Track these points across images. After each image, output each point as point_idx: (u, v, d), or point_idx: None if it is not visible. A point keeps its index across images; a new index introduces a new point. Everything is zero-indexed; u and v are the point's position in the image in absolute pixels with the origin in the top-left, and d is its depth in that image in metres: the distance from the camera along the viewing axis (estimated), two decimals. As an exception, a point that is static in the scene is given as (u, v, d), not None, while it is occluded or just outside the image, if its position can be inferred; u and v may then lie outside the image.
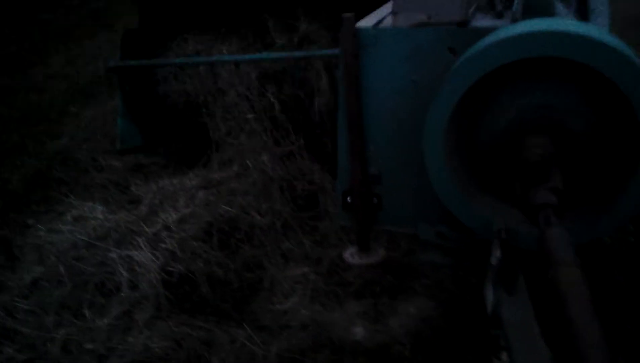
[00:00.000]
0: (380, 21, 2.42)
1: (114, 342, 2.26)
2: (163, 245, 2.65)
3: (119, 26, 5.25)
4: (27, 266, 2.62)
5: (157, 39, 3.93)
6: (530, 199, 1.79)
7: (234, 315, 2.54)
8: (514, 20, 2.20)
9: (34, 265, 2.60)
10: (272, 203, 2.94)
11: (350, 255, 2.72)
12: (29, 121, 5.08)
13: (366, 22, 2.39)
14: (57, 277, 2.51)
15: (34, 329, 2.34)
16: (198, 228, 2.76)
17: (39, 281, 2.53)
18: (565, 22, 2.04)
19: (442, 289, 2.59)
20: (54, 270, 2.53)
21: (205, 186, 3.03)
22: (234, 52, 3.75)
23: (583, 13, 2.64)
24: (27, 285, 2.53)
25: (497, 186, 2.10)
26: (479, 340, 2.15)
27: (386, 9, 2.59)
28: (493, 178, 2.10)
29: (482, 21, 2.28)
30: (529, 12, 2.29)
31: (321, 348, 2.43)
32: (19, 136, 4.83)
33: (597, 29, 1.95)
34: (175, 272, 2.56)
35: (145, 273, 2.48)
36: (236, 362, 2.30)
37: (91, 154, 4.16)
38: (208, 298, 2.55)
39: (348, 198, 2.49)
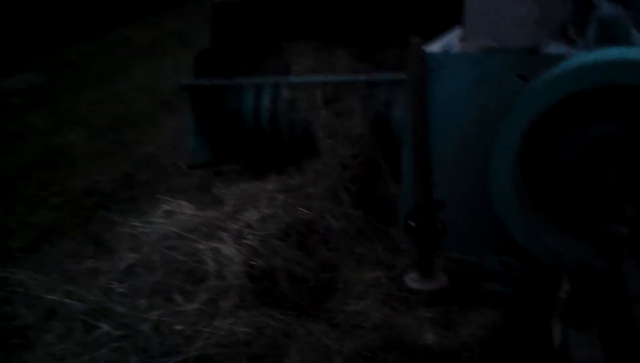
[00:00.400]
0: (448, 46, 2.43)
1: (201, 325, 2.42)
2: (246, 241, 2.81)
3: (197, 44, 5.57)
4: (122, 254, 2.82)
5: (229, 59, 4.06)
6: (603, 231, 1.79)
7: (310, 311, 2.67)
8: (588, 48, 2.19)
9: (128, 252, 2.80)
10: (345, 208, 3.07)
11: (412, 279, 2.66)
12: (115, 129, 5.44)
13: (434, 47, 2.41)
14: (150, 264, 2.70)
15: (128, 310, 2.53)
16: (278, 228, 2.91)
17: (133, 267, 2.73)
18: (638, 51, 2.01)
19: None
20: (147, 258, 2.73)
21: (284, 190, 3.18)
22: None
23: None
24: (122, 271, 2.74)
25: (566, 217, 2.07)
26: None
27: (454, 34, 2.60)
28: (562, 208, 2.07)
29: (554, 48, 2.24)
30: (604, 40, 2.27)
31: (392, 349, 2.51)
32: (107, 142, 5.18)
33: None
34: (257, 266, 2.71)
35: (230, 265, 2.64)
36: (312, 354, 2.42)
37: (174, 161, 4.43)
38: (287, 293, 2.69)
39: (410, 221, 2.48)
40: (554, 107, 1.87)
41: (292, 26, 4.05)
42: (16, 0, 8.07)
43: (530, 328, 2.21)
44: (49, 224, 3.92)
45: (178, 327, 2.42)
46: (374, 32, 3.84)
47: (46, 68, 7.33)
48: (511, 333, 2.41)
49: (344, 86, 3.61)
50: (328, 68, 3.82)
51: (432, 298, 2.74)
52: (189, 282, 2.62)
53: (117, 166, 4.65)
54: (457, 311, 2.65)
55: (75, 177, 4.55)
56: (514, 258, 2.22)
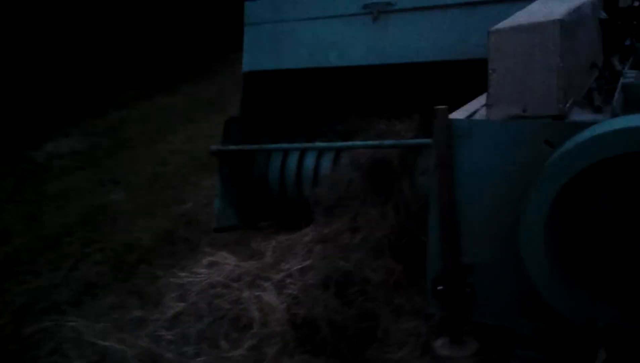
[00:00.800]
0: (473, 113, 2.42)
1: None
2: (287, 291, 2.91)
3: (231, 110, 5.86)
4: (168, 303, 2.93)
5: (257, 126, 4.16)
6: (638, 297, 1.76)
7: (351, 359, 2.72)
8: (614, 115, 2.18)
9: (174, 301, 2.91)
10: (384, 260, 3.15)
11: (442, 345, 2.57)
12: (155, 189, 5.66)
13: (459, 114, 2.41)
14: (196, 312, 2.80)
15: (176, 355, 2.62)
16: (317, 278, 3.00)
17: (180, 316, 2.83)
18: None
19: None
20: (194, 306, 2.84)
21: (321, 240, 3.28)
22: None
23: None
24: (169, 319, 2.84)
25: (598, 282, 2.04)
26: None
27: (479, 101, 2.59)
28: (594, 273, 2.05)
29: (580, 115, 2.24)
30: (630, 106, 2.28)
31: (434, 397, 2.55)
32: (146, 201, 5.38)
33: None
34: (299, 314, 2.79)
35: (273, 313, 2.73)
36: (356, 400, 2.46)
37: (212, 218, 4.57)
38: (328, 341, 2.75)
39: (438, 286, 2.44)
40: (581, 173, 1.87)
41: (318, 95, 4.21)
42: (59, 66, 8.54)
43: None
44: (93, 279, 4.06)
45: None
46: (399, 102, 3.92)
47: (88, 133, 7.69)
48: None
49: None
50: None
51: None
52: (234, 329, 2.70)
53: (157, 223, 4.81)
54: (496, 358, 2.67)
55: (117, 234, 4.72)
56: (547, 324, 2.15)
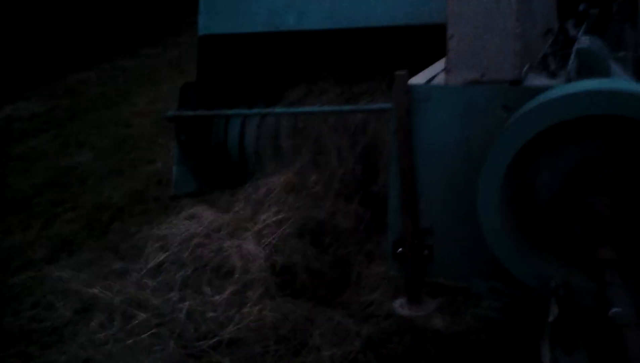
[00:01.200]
0: (432, 78, 2.45)
1: (231, 312, 2.64)
2: (266, 240, 3.06)
3: (192, 73, 5.88)
4: (151, 253, 3.04)
5: (213, 92, 4.14)
6: (593, 256, 1.78)
7: (328, 301, 2.90)
8: (569, 80, 2.25)
9: (157, 252, 3.02)
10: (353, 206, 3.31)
11: (400, 305, 2.66)
12: (121, 150, 5.66)
13: (419, 79, 2.44)
14: (179, 261, 2.92)
15: (162, 301, 2.74)
16: (293, 228, 3.16)
17: (163, 265, 2.95)
18: (621, 82, 2.09)
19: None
20: (176, 255, 2.95)
21: (291, 189, 3.42)
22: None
23: (638, 73, 2.72)
24: (152, 268, 2.96)
25: (554, 242, 2.09)
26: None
27: (438, 66, 2.63)
28: (550, 233, 2.09)
29: (536, 80, 2.28)
30: (584, 71, 2.32)
31: (405, 333, 2.74)
32: (114, 162, 5.40)
33: None
34: (278, 262, 2.95)
35: (254, 261, 2.88)
36: (333, 336, 2.64)
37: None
38: (307, 285, 2.93)
39: (399, 249, 2.49)
40: (538, 136, 1.91)
41: (277, 60, 4.21)
42: (14, 30, 8.30)
43: (519, 352, 2.25)
44: (67, 237, 4.10)
45: (210, 314, 2.64)
46: (355, 67, 4.01)
47: (47, 96, 7.55)
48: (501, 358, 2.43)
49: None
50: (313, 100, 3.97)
51: (438, 289, 2.94)
52: (216, 276, 2.84)
53: (126, 183, 4.86)
54: (462, 300, 2.85)
55: (87, 194, 4.75)
56: (502, 283, 2.23)
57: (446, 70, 2.28)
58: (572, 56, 2.50)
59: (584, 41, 2.67)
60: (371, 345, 2.61)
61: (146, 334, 2.54)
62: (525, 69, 2.21)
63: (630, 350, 1.38)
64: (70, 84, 8.02)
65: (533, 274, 2.02)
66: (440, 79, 2.39)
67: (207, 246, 2.95)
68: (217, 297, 2.74)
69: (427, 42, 2.75)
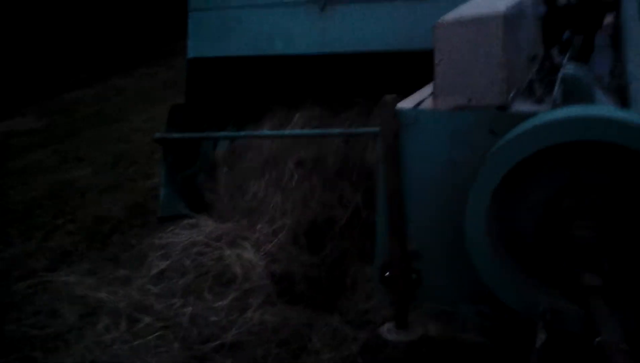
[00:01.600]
0: (420, 103, 2.46)
1: (233, 317, 2.74)
2: (264, 249, 3.17)
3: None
4: (153, 262, 3.14)
5: (201, 114, 4.09)
6: (578, 281, 1.77)
7: (326, 309, 3.01)
8: (555, 106, 2.25)
9: (159, 260, 3.12)
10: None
11: (388, 330, 2.63)
12: (120, 165, 5.77)
13: (406, 103, 2.45)
14: (181, 269, 3.02)
15: (165, 306, 2.83)
16: (289, 236, 3.27)
17: (165, 272, 3.04)
18: (605, 108, 2.13)
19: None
20: (178, 263, 3.05)
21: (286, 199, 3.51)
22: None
23: (624, 100, 2.70)
24: (155, 275, 3.05)
25: (541, 267, 2.08)
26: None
27: (426, 90, 2.63)
28: (537, 258, 2.08)
29: (522, 106, 2.29)
30: (569, 98, 2.34)
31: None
32: (112, 176, 5.50)
33: (635, 114, 2.02)
34: (276, 271, 3.06)
35: (253, 269, 2.99)
36: (332, 340, 2.75)
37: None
38: (305, 293, 3.03)
39: (386, 272, 2.47)
40: (524, 161, 1.92)
41: (264, 84, 4.22)
42: (11, 48, 8.43)
43: None
44: (67, 248, 4.18)
45: (213, 319, 2.74)
46: (343, 92, 4.03)
47: (43, 114, 7.66)
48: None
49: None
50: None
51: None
52: (218, 283, 2.94)
53: (126, 197, 4.94)
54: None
55: (87, 207, 4.83)
56: (489, 308, 2.22)
57: (434, 95, 2.30)
58: (558, 82, 2.54)
59: (569, 68, 2.71)
60: (368, 350, 2.71)
61: (151, 336, 2.62)
62: (512, 94, 2.24)
63: None
64: (66, 102, 8.13)
65: (520, 299, 2.02)
66: (427, 104, 2.41)
67: (207, 254, 3.04)
68: (219, 303, 2.83)
69: (416, 67, 2.77)
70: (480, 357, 2.38)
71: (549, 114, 1.95)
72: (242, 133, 4.03)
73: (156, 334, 2.64)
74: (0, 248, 4.25)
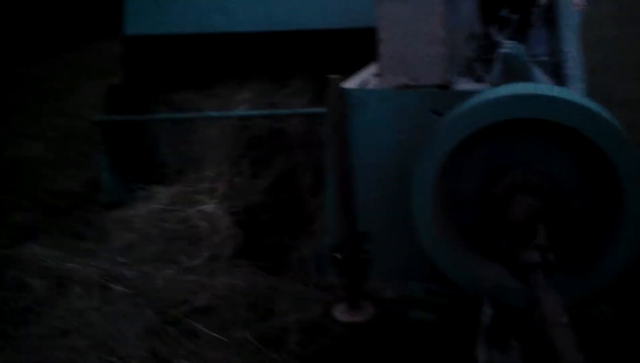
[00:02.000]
0: (365, 82, 2.49)
1: (204, 282, 2.85)
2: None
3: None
4: (117, 235, 3.20)
5: (141, 95, 4.03)
6: (517, 258, 1.79)
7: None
8: (493, 84, 2.28)
9: (123, 232, 3.18)
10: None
11: (340, 312, 2.62)
12: (73, 141, 5.69)
13: (352, 83, 2.47)
14: (147, 238, 3.10)
15: (136, 275, 2.92)
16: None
17: (132, 243, 3.11)
18: (546, 87, 2.19)
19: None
20: (143, 232, 3.13)
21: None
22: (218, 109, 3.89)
23: (559, 78, 2.79)
24: (122, 247, 3.12)
25: (485, 243, 2.11)
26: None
27: (371, 70, 2.65)
28: (481, 235, 2.12)
29: (463, 85, 2.33)
30: (507, 76, 2.36)
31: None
32: (67, 152, 5.45)
33: (571, 92, 2.10)
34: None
35: (219, 220, 3.10)
36: (297, 304, 2.90)
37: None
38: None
39: (336, 254, 2.47)
40: (465, 140, 1.95)
41: (205, 62, 4.12)
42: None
43: (455, 352, 2.34)
44: (28, 224, 4.16)
45: (184, 284, 2.84)
46: (283, 68, 3.99)
47: (-8, 90, 7.43)
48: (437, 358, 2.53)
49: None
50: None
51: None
52: (188, 244, 3.05)
53: (82, 173, 4.89)
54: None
55: (43, 183, 4.78)
56: (437, 285, 2.25)
57: (378, 74, 2.32)
58: (496, 60, 2.58)
59: (506, 46, 2.78)
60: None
61: (124, 303, 2.71)
62: (452, 73, 2.27)
63: (557, 349, 1.43)
64: (14, 77, 7.90)
65: (466, 276, 2.05)
66: (373, 84, 2.44)
67: (170, 219, 3.12)
68: (194, 262, 2.93)
69: (361, 45, 2.74)
70: (430, 333, 2.47)
71: (486, 93, 1.99)
72: (187, 115, 3.94)
73: (128, 301, 2.72)
74: (-45, 227, 4.20)
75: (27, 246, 3.58)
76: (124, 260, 3.02)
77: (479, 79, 2.38)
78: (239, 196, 3.24)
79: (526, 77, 2.39)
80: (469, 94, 2.04)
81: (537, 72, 2.66)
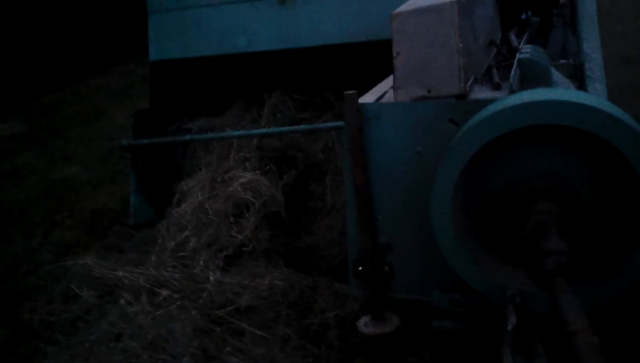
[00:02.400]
0: (382, 96, 2.50)
1: (246, 283, 2.98)
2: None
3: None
4: (164, 241, 3.35)
5: (167, 118, 4.12)
6: (538, 265, 1.79)
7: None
8: (511, 92, 2.27)
9: (173, 235, 3.33)
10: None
11: (364, 324, 2.60)
12: (110, 161, 5.92)
13: (368, 97, 2.48)
14: (194, 245, 3.25)
15: (182, 279, 3.05)
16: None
17: (179, 246, 3.26)
18: (561, 92, 2.14)
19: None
20: (187, 240, 3.27)
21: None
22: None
23: (580, 80, 2.79)
24: (168, 254, 3.26)
25: (507, 251, 2.10)
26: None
27: (386, 83, 2.65)
28: (502, 242, 2.11)
29: (480, 93, 2.32)
30: (526, 82, 2.37)
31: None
32: (103, 172, 5.65)
33: (592, 97, 2.03)
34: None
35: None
36: (335, 301, 3.01)
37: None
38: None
39: (359, 267, 2.48)
40: (484, 148, 1.94)
41: (230, 82, 4.18)
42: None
43: (481, 360, 2.29)
44: (70, 241, 4.35)
45: (228, 286, 2.97)
46: (307, 86, 4.07)
47: (25, 117, 7.72)
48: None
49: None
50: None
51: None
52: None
53: (120, 190, 5.09)
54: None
55: (83, 202, 4.99)
56: (461, 295, 2.23)
57: (394, 87, 2.31)
58: (514, 67, 2.56)
59: (525, 51, 2.75)
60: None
61: (172, 306, 2.84)
62: (470, 82, 2.25)
63: (581, 354, 1.44)
64: (46, 104, 8.20)
65: (489, 284, 2.05)
66: (389, 97, 2.43)
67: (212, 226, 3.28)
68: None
69: (378, 57, 2.75)
70: (456, 343, 2.42)
71: (503, 102, 1.97)
72: (211, 135, 4.01)
73: (176, 304, 2.85)
74: (4, 247, 4.40)
75: (73, 261, 3.78)
76: (169, 266, 3.15)
77: (497, 87, 2.37)
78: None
79: (545, 82, 2.38)
80: (486, 103, 2.05)
81: (557, 76, 2.65)
